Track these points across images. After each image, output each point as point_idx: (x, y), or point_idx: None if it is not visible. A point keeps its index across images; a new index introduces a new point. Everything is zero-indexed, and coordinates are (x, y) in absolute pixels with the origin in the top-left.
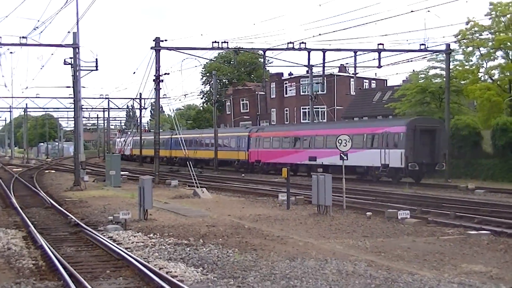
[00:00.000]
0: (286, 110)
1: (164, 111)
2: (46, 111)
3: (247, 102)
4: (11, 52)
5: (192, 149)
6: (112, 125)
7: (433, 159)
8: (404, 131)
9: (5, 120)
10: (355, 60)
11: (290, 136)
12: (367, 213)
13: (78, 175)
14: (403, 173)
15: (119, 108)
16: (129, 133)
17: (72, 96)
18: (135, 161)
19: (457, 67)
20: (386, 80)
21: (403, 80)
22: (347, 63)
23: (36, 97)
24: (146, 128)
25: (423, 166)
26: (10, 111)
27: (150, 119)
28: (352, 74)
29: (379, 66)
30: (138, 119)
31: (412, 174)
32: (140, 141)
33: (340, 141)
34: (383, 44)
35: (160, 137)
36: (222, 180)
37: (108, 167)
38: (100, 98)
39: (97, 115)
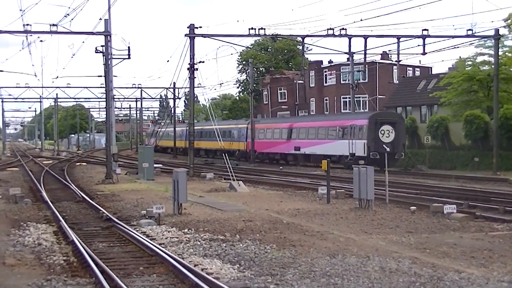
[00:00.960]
0: (326, 100)
1: (199, 101)
2: (77, 102)
3: (285, 91)
4: (41, 41)
5: (210, 141)
6: (145, 115)
7: (393, 149)
8: (366, 124)
9: (35, 111)
10: (398, 46)
11: (279, 128)
12: (411, 207)
13: (110, 167)
14: (366, 161)
15: (152, 98)
16: (162, 124)
17: (104, 85)
18: (169, 153)
19: (507, 53)
20: (431, 67)
21: (449, 68)
22: (389, 50)
23: (67, 87)
24: (180, 119)
25: (383, 155)
26: (40, 102)
27: (184, 110)
28: (395, 61)
29: (424, 53)
30: (172, 109)
31: (373, 162)
32: (173, 132)
33: (382, 132)
34: (427, 30)
35: (180, 128)
36: (259, 173)
37: (141, 160)
38: (132, 87)
39: (130, 105)
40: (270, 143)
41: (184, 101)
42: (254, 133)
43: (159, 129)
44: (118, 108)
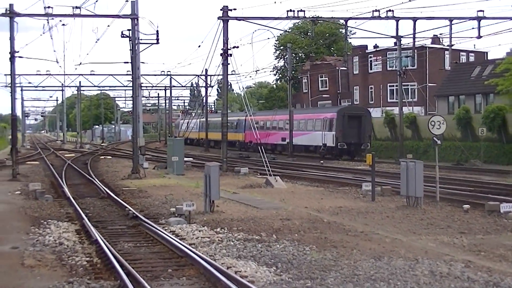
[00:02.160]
0: (371, 88)
1: (233, 89)
2: (101, 90)
3: (326, 79)
4: (63, 24)
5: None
6: (174, 105)
7: (360, 140)
8: (335, 117)
9: (57, 100)
10: (451, 29)
11: (271, 120)
12: (464, 206)
13: (137, 161)
14: (335, 151)
15: (182, 86)
16: (193, 114)
17: (130, 72)
18: (201, 145)
19: None
20: (486, 52)
21: (506, 53)
22: (441, 34)
23: (91, 74)
24: (213, 109)
25: (351, 145)
26: (62, 90)
27: (217, 99)
28: (447, 46)
29: (479, 37)
30: (204, 98)
31: (341, 151)
32: (205, 123)
33: (433, 123)
34: (483, 11)
35: (213, 119)
36: (297, 168)
37: (170, 153)
38: (161, 75)
39: (158, 94)
40: (264, 134)
41: (217, 89)
42: (292, 124)
43: (190, 120)
44: (146, 97)
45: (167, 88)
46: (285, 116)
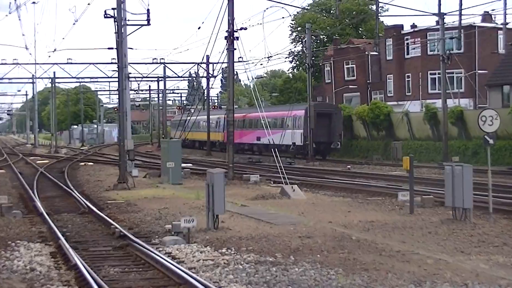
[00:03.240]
0: (408, 77)
1: (240, 80)
2: (80, 82)
3: (354, 66)
4: (34, 2)
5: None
6: (169, 99)
7: (330, 139)
8: (303, 115)
9: (26, 94)
10: (505, 4)
11: (247, 118)
12: None
13: (124, 168)
14: (303, 150)
15: (178, 77)
16: (192, 110)
17: (116, 61)
18: (201, 148)
19: None
20: None
21: None
22: (493, 10)
23: (68, 63)
24: (216, 104)
25: (320, 144)
26: (33, 83)
27: (221, 92)
28: (501, 24)
29: None
30: (205, 91)
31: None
32: (207, 121)
33: (483, 119)
34: None
35: (216, 116)
36: (319, 174)
37: (165, 158)
38: (153, 63)
39: (149, 86)
40: (241, 133)
41: (221, 80)
42: (313, 120)
43: (188, 118)
44: (135, 91)
45: (160, 79)
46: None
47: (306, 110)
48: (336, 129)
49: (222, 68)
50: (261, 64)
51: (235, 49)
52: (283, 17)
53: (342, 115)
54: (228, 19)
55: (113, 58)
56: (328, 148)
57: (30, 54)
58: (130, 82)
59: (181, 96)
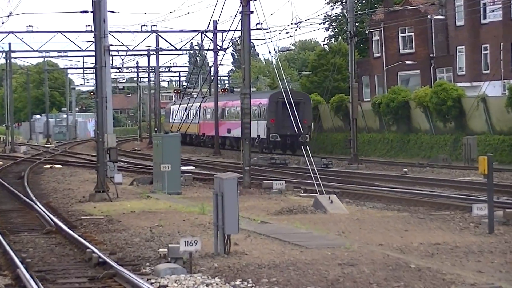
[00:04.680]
0: (485, 49)
1: (258, 54)
2: (45, 58)
3: (412, 34)
4: None
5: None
6: (164, 80)
7: (297, 131)
8: (266, 104)
9: None
10: None
11: (222, 106)
12: None
13: (104, 173)
14: (266, 143)
15: (176, 50)
16: (194, 95)
17: (92, 28)
18: (206, 145)
19: None
20: None
21: None
22: None
23: (28, 32)
24: (227, 87)
25: (287, 137)
26: None
27: (232, 70)
28: None
29: None
30: (211, 69)
31: (274, 145)
32: (215, 109)
33: None
34: None
35: (223, 102)
36: (365, 179)
37: (158, 158)
38: (142, 32)
39: (137, 63)
40: (213, 125)
41: (233, 54)
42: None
43: (189, 104)
44: (118, 69)
45: (151, 53)
46: (235, 102)
47: (270, 98)
48: (305, 120)
49: (234, 39)
50: (287, 33)
51: (252, 12)
52: None
53: (311, 104)
54: None
55: (88, 25)
56: (295, 142)
57: None
58: (111, 57)
59: (179, 76)
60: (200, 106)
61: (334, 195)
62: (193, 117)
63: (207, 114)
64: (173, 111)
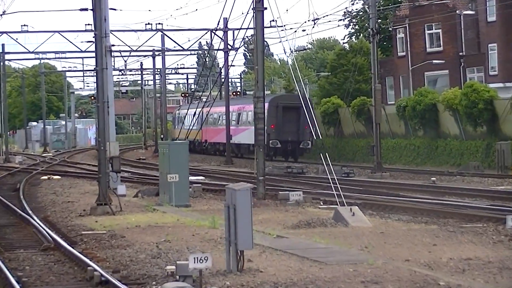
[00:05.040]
0: None
1: (272, 54)
2: (41, 60)
3: (439, 31)
4: None
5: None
6: (170, 83)
7: (298, 137)
8: (266, 108)
9: None
10: None
11: (221, 112)
12: None
13: (106, 184)
14: (266, 150)
15: (183, 50)
16: (204, 99)
17: (92, 28)
18: (209, 153)
19: None
20: None
21: None
22: None
23: (23, 32)
24: (239, 90)
25: (287, 144)
26: None
27: (244, 71)
28: None
29: None
30: (222, 71)
31: (275, 152)
32: (226, 114)
33: None
34: None
35: (237, 106)
36: (389, 189)
37: (165, 168)
38: (147, 31)
39: (141, 64)
40: (215, 131)
41: (245, 54)
42: (211, 117)
43: (198, 109)
44: (120, 71)
45: (157, 53)
46: (235, 107)
47: (270, 102)
48: (305, 126)
49: (247, 37)
50: (304, 31)
51: (265, 8)
52: None
53: (314, 108)
54: None
55: (88, 24)
56: (297, 149)
57: None
58: (113, 59)
59: (187, 79)
60: (202, 111)
61: (356, 206)
62: (195, 123)
63: (209, 119)
64: (180, 117)
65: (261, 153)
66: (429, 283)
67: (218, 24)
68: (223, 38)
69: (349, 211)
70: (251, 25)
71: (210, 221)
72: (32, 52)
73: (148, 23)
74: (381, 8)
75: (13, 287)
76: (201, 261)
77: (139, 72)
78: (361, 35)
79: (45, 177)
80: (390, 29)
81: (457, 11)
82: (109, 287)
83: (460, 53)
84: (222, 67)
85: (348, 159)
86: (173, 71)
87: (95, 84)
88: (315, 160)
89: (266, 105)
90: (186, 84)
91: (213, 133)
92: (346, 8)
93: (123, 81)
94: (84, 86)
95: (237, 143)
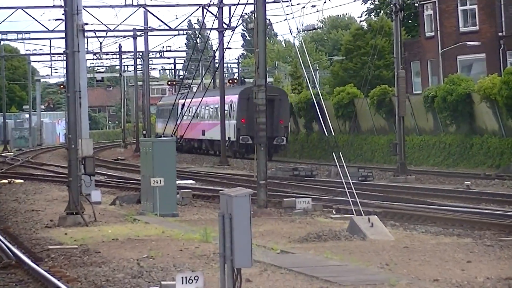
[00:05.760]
0: None
1: (276, 35)
2: (1, 41)
3: (474, 7)
4: None
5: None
6: (154, 69)
7: (272, 133)
8: (237, 101)
9: None
10: None
11: (196, 104)
12: None
13: (78, 189)
14: (237, 147)
15: (169, 29)
16: (194, 88)
17: (62, 2)
18: (183, 150)
19: None
20: None
21: None
22: None
23: None
24: (236, 76)
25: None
26: None
27: (242, 54)
28: None
29: None
30: (216, 54)
31: (246, 149)
32: (221, 105)
33: None
34: None
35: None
36: (414, 195)
37: (148, 170)
38: (125, 6)
39: (120, 46)
40: (190, 126)
41: (243, 34)
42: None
43: (187, 99)
44: (95, 54)
45: (138, 33)
46: (210, 99)
47: (240, 94)
48: (281, 119)
49: (245, 14)
50: (313, 6)
51: None
52: None
53: (288, 101)
54: None
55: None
56: (271, 145)
57: None
58: (87, 40)
59: (174, 64)
60: (178, 104)
61: (375, 216)
62: (170, 117)
63: (186, 112)
64: (165, 109)
65: (262, 152)
66: None
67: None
68: (217, 15)
69: (367, 221)
70: (251, 0)
71: (201, 234)
72: None
73: None
74: None
75: None
76: (190, 281)
77: (117, 56)
78: (382, 11)
79: (5, 181)
80: (417, 4)
81: None
82: None
83: (500, 33)
84: (216, 49)
85: (366, 160)
86: (158, 55)
87: (65, 70)
88: (326, 160)
89: (236, 97)
90: (173, 71)
91: (189, 128)
92: None
93: (98, 66)
94: (51, 72)
95: (210, 139)
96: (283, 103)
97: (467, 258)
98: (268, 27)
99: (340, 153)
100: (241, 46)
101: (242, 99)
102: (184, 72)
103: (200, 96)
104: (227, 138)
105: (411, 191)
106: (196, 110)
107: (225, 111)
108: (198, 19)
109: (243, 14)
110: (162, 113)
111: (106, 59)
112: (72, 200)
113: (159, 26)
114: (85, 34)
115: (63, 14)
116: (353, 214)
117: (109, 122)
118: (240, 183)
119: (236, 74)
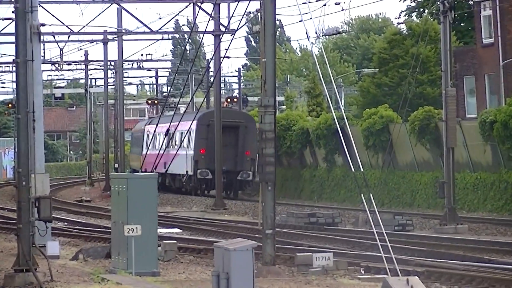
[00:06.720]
0: None
1: (289, 40)
2: None
3: None
4: None
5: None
6: (130, 83)
7: (236, 166)
8: (194, 128)
9: None
10: None
11: (160, 131)
12: None
13: (29, 239)
14: (193, 182)
15: (151, 32)
16: (181, 110)
17: None
18: (200, 191)
19: None
20: None
21: None
22: None
23: None
24: (236, 95)
25: (222, 174)
26: None
27: (245, 65)
28: None
29: None
30: (212, 63)
31: (206, 184)
32: (217, 127)
33: None
34: None
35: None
36: (467, 250)
37: (120, 215)
38: (94, 2)
39: (86, 54)
40: (152, 157)
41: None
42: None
43: (156, 124)
44: (54, 64)
45: (110, 37)
46: (167, 125)
47: (199, 120)
48: (247, 150)
49: (250, 14)
50: (337, 4)
51: None
52: None
53: (256, 128)
54: None
55: None
56: (234, 181)
57: None
58: (43, 45)
59: (156, 77)
60: (143, 131)
61: (416, 277)
62: (136, 146)
63: (150, 142)
64: (146, 135)
65: (270, 192)
66: None
67: None
68: (212, 15)
69: (406, 283)
70: None
71: None
72: None
73: None
74: None
75: None
76: None
77: (83, 67)
78: (426, 11)
79: None
80: (471, 2)
81: None
82: None
83: None
84: (211, 59)
85: (405, 203)
86: (136, 65)
87: (15, 84)
88: (352, 203)
89: (194, 123)
90: (154, 86)
91: (151, 159)
92: None
93: (58, 80)
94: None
95: (172, 173)
96: (250, 130)
97: None
98: (279, 29)
99: (371, 195)
100: (244, 54)
101: (200, 125)
102: (169, 88)
103: (168, 121)
104: (184, 172)
105: (463, 245)
106: (164, 138)
107: (182, 140)
108: (188, 20)
109: (247, 12)
110: (138, 141)
111: (68, 70)
112: (22, 253)
113: (137, 28)
114: (42, 37)
115: (13, 12)
116: (387, 275)
117: (71, 152)
118: (241, 232)
119: (237, 91)
